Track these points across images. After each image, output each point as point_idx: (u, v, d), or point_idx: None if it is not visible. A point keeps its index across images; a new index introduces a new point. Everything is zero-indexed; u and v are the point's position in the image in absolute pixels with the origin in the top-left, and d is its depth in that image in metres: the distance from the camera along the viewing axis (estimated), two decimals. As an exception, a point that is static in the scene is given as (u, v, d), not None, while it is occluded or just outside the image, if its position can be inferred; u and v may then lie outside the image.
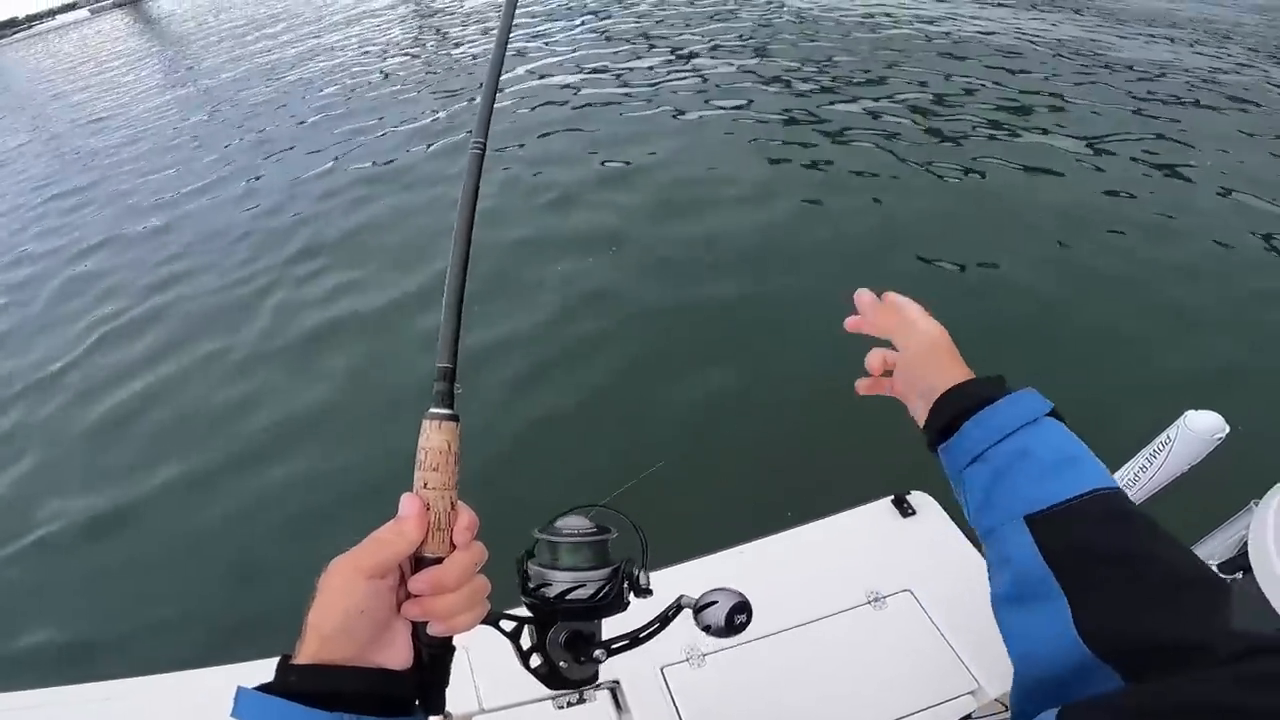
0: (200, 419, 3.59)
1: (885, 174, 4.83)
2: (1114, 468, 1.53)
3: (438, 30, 11.53)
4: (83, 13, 35.79)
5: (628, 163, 5.37)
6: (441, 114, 7.24)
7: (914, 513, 1.36)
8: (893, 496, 1.39)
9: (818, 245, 4.08)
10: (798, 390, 3.01)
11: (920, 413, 0.65)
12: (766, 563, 1.33)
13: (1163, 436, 1.45)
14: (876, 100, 5.99)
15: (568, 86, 7.36)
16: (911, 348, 0.67)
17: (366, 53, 10.74)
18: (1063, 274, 3.68)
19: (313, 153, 6.95)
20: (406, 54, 10.31)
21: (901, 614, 1.22)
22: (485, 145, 0.63)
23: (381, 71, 9.47)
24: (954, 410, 0.61)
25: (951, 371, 0.64)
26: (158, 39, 19.52)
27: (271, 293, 4.61)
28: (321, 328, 4.11)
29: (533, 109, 6.80)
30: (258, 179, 6.68)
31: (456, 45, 10.31)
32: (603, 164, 5.43)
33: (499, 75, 0.70)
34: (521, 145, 5.93)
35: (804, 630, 1.21)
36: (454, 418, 0.52)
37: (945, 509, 1.37)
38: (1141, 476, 1.47)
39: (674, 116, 6.16)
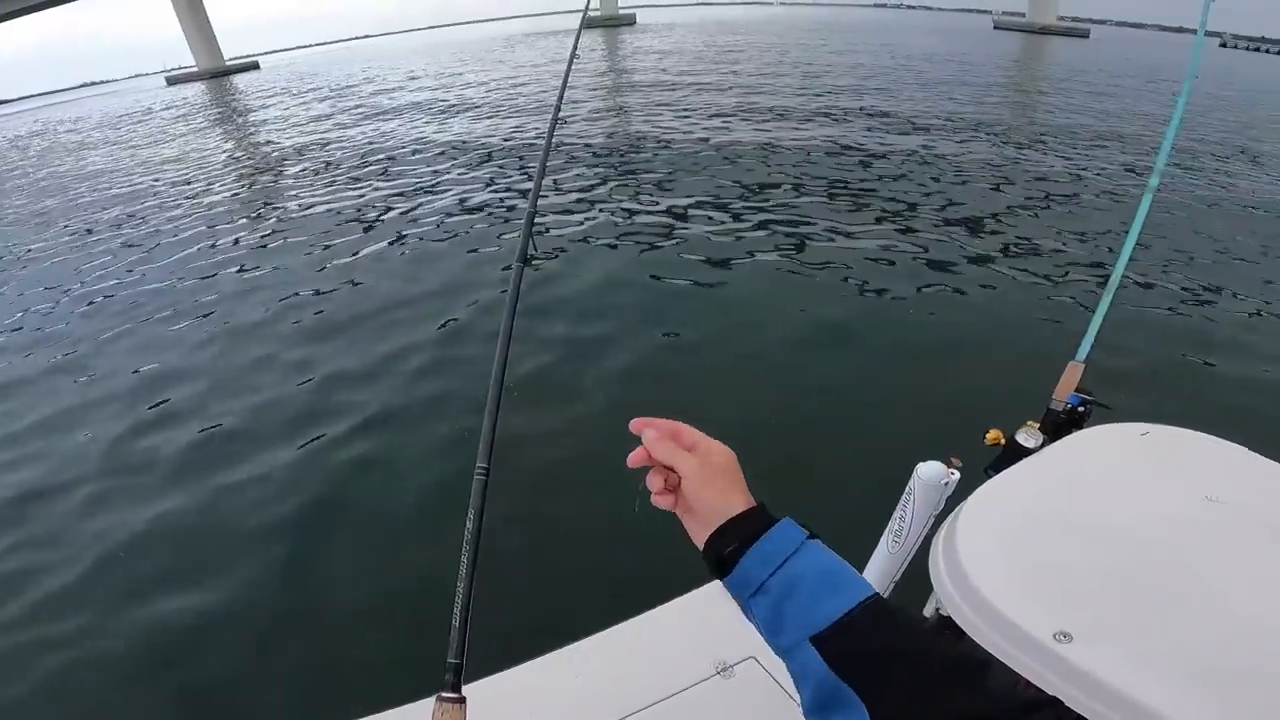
0: None
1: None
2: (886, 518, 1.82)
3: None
4: None
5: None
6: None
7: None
8: (726, 572, 1.50)
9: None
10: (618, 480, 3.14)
11: (698, 536, 0.68)
12: (615, 650, 1.33)
13: (906, 491, 1.78)
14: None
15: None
16: (694, 472, 0.68)
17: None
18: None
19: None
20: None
21: (749, 680, 1.29)
22: (489, 469, 0.84)
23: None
24: (728, 544, 0.65)
25: (729, 498, 0.67)
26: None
27: None
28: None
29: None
30: None
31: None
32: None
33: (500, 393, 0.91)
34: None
35: (657, 709, 1.22)
36: (461, 700, 0.70)
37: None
38: (903, 527, 1.77)
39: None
